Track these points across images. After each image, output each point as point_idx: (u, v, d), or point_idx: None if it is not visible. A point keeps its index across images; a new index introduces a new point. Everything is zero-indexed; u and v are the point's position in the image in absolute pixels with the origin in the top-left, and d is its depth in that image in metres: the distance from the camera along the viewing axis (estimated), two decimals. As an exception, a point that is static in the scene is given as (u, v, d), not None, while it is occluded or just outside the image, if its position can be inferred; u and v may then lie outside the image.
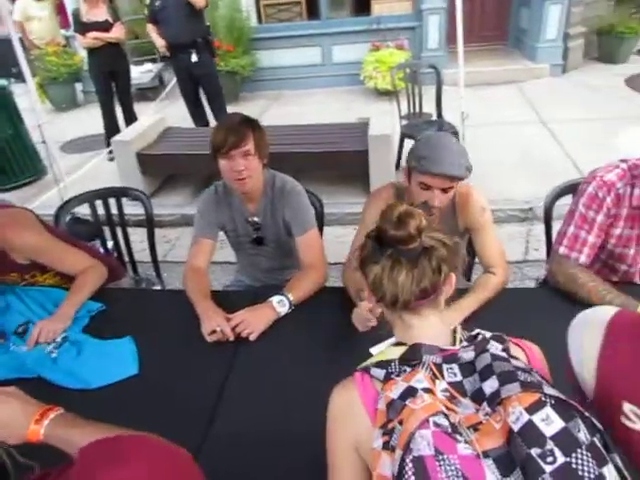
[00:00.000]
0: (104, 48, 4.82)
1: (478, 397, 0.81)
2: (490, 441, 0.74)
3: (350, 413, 0.88)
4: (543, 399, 0.74)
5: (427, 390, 0.80)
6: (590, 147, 4.44)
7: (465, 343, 0.90)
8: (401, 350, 0.90)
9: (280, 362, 1.54)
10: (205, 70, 4.82)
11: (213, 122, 5.30)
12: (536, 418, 0.72)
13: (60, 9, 7.70)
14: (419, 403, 0.78)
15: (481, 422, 0.77)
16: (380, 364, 0.89)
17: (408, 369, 0.85)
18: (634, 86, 5.95)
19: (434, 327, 0.94)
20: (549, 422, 0.71)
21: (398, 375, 0.85)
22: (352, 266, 1.81)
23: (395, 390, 0.82)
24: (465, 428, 0.76)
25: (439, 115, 4.33)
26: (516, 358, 0.86)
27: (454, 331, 0.95)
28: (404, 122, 4.31)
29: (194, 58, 4.68)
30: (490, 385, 0.80)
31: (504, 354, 0.85)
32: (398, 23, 6.29)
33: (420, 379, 0.82)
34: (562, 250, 1.75)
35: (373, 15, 6.61)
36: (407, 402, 0.79)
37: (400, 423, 0.78)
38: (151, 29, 4.84)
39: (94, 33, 4.73)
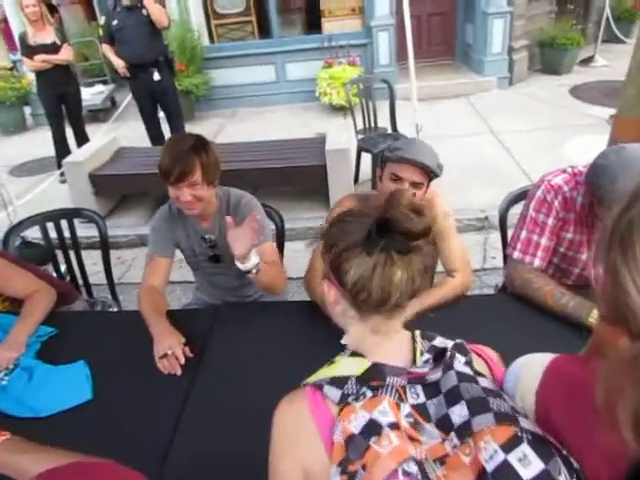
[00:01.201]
0: (53, 70, 4.71)
1: (444, 425, 0.73)
2: (459, 477, 0.67)
3: (300, 435, 0.78)
4: (519, 434, 0.67)
5: (393, 426, 0.72)
6: (539, 156, 4.60)
7: (427, 356, 0.83)
8: (359, 365, 0.80)
9: (241, 382, 1.49)
10: (166, 89, 4.78)
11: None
12: (512, 457, 0.64)
13: (6, 33, 7.51)
14: (385, 446, 0.69)
15: (448, 454, 0.70)
16: (335, 382, 0.78)
17: (369, 393, 0.75)
18: (578, 95, 6.23)
19: (397, 332, 0.87)
20: (527, 463, 0.64)
21: (357, 399, 0.75)
22: (315, 277, 1.82)
23: (355, 421, 0.73)
24: (431, 462, 0.70)
25: (394, 128, 4.41)
26: (481, 375, 0.81)
27: (413, 338, 0.87)
28: (360, 136, 4.36)
29: (156, 77, 4.64)
30: (459, 413, 0.72)
31: (469, 371, 0.79)
32: (349, 40, 6.40)
33: (384, 410, 0.73)
34: (516, 255, 1.79)
35: (324, 33, 6.71)
36: (371, 443, 0.70)
37: (363, 468, 0.69)
38: (107, 49, 4.76)
39: (42, 56, 4.62)
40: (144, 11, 4.57)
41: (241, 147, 4.40)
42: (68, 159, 4.20)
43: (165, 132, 5.23)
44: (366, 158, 4.22)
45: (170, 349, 1.53)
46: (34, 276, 1.82)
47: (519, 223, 1.85)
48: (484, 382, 0.78)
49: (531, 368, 0.82)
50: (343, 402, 0.76)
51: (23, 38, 4.69)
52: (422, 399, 0.76)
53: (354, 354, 0.84)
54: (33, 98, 7.09)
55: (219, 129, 6.31)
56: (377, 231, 0.77)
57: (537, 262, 1.75)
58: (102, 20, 4.67)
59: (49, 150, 5.68)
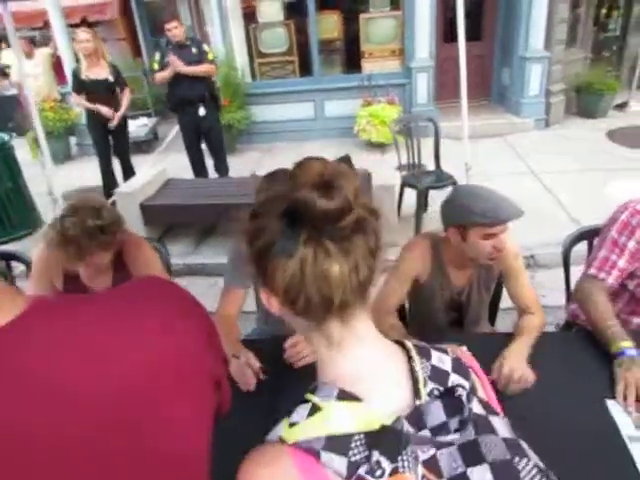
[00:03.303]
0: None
1: None
2: None
3: None
4: None
5: None
6: (581, 197, 4.60)
7: (431, 385, 0.66)
8: (356, 413, 0.61)
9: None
10: (211, 124, 4.99)
11: (212, 173, 5.38)
12: None
13: (57, 66, 7.87)
14: None
15: None
16: (333, 444, 0.58)
17: (385, 465, 0.57)
18: (615, 139, 6.24)
19: (377, 341, 0.69)
20: None
21: (372, 473, 0.57)
22: (384, 310, 1.84)
23: None
24: None
25: (437, 166, 4.46)
26: (491, 408, 0.68)
27: (408, 355, 0.69)
28: (403, 172, 4.42)
29: (202, 112, 4.85)
30: (480, 476, 0.60)
31: (482, 409, 0.66)
32: (388, 80, 6.55)
33: None
34: (592, 270, 1.79)
35: (363, 73, 6.88)
36: None
37: None
38: (161, 77, 4.94)
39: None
40: (194, 49, 4.80)
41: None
42: (120, 189, 4.33)
43: (208, 165, 5.39)
44: (410, 193, 4.27)
45: (245, 363, 1.57)
46: None
47: (598, 244, 1.85)
48: (498, 424, 0.65)
49: None
50: (353, 476, 0.57)
51: (76, 73, 4.86)
52: (432, 451, 0.62)
53: (343, 396, 0.62)
54: (80, 129, 7.38)
55: (257, 162, 6.45)
56: (292, 221, 0.60)
57: (610, 280, 1.74)
58: (157, 56, 4.88)
59: (94, 179, 5.87)
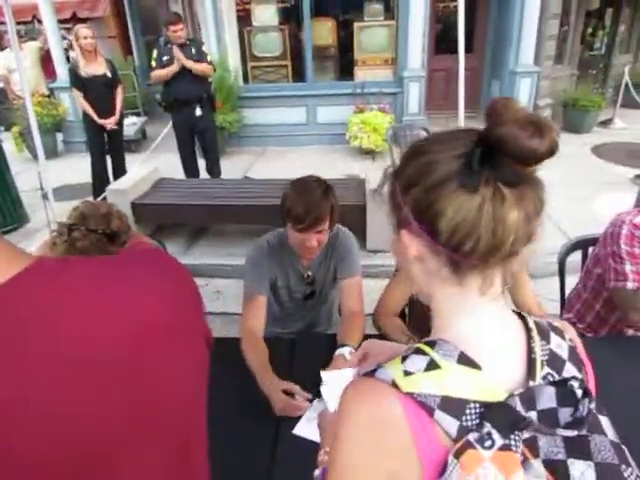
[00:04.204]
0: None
1: (555, 469, 0.59)
2: None
3: (393, 445, 0.59)
4: None
5: None
6: (569, 209, 4.68)
7: (547, 370, 0.65)
8: (473, 381, 0.61)
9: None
10: (206, 124, 4.97)
11: (204, 174, 5.35)
12: None
13: (45, 60, 7.76)
14: None
15: None
16: (448, 405, 0.59)
17: (497, 438, 0.57)
18: (600, 154, 6.39)
19: (504, 309, 0.69)
20: None
21: (481, 442, 0.57)
22: (388, 312, 1.86)
23: (483, 479, 0.56)
24: None
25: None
26: (599, 405, 0.66)
27: (527, 331, 0.68)
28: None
29: (198, 112, 4.83)
30: (581, 470, 0.59)
31: (594, 407, 0.63)
32: (381, 88, 6.61)
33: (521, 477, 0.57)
34: (630, 285, 1.80)
35: (356, 80, 6.94)
36: None
37: None
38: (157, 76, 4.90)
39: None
40: (193, 49, 4.79)
41: (280, 183, 4.47)
42: (112, 187, 4.28)
43: (200, 166, 5.36)
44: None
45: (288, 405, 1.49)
46: None
47: (614, 259, 1.85)
48: (605, 424, 0.64)
49: None
50: (462, 440, 0.58)
51: (74, 69, 4.81)
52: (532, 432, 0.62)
53: (464, 361, 0.62)
54: (67, 125, 7.29)
55: (249, 165, 6.44)
56: (481, 158, 0.59)
57: None
58: (154, 53, 4.84)
59: (80, 177, 5.80)
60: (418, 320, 2.14)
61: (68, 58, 7.49)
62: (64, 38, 7.98)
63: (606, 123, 7.68)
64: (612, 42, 8.73)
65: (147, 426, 0.60)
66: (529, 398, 0.61)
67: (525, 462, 0.58)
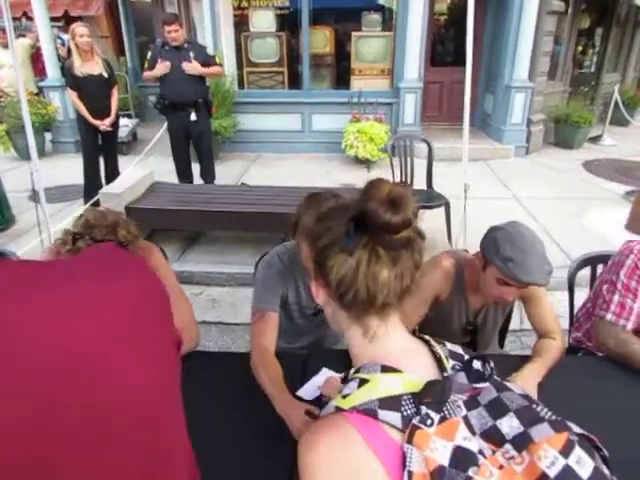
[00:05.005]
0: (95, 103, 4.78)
1: (492, 437, 0.68)
2: None
3: (361, 472, 0.64)
4: (572, 438, 0.66)
5: (481, 453, 0.66)
6: (562, 223, 4.71)
7: (452, 362, 0.77)
8: (402, 381, 0.71)
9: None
10: (201, 129, 4.89)
11: (197, 179, 5.27)
12: (571, 461, 0.65)
13: (36, 57, 7.62)
14: (489, 477, 0.64)
15: (502, 466, 0.66)
16: (386, 404, 0.68)
17: (434, 415, 0.67)
18: (591, 170, 6.47)
19: (403, 335, 0.80)
20: (582, 464, 0.65)
21: (424, 422, 0.66)
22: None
23: (437, 450, 0.65)
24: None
25: (429, 185, 4.49)
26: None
27: (426, 342, 0.80)
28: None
29: (193, 117, 4.76)
30: (509, 424, 0.68)
31: (502, 382, 0.75)
32: (377, 98, 6.60)
33: (467, 436, 0.67)
34: (609, 317, 1.82)
35: (352, 89, 6.93)
36: (471, 474, 0.64)
37: None
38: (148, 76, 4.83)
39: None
40: (191, 53, 4.71)
41: (280, 191, 4.43)
42: (107, 189, 4.17)
43: (194, 170, 5.28)
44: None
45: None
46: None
47: (608, 287, 1.88)
48: (516, 388, 0.75)
49: None
50: (408, 426, 0.66)
51: (69, 68, 4.69)
52: (464, 411, 0.71)
53: (386, 369, 0.72)
54: (56, 125, 7.14)
55: (243, 171, 6.37)
56: (356, 227, 0.72)
57: (630, 325, 1.79)
58: (149, 54, 4.76)
59: (70, 178, 5.67)
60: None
61: (58, 57, 7.35)
62: (58, 37, 7.85)
63: (595, 139, 7.80)
64: (601, 61, 8.88)
65: (102, 431, 0.58)
66: (449, 382, 0.71)
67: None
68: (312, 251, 0.80)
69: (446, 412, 0.68)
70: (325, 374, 1.67)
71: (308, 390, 1.57)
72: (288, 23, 7.03)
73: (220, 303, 3.68)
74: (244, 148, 6.96)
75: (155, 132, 6.19)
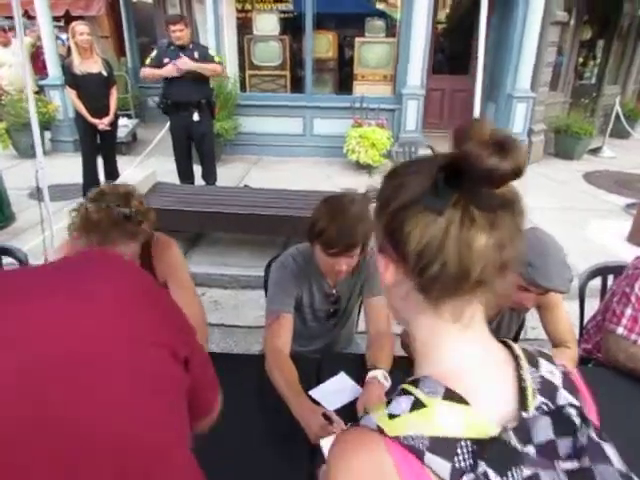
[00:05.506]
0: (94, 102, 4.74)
1: None
2: None
3: None
4: None
5: None
6: (566, 234, 4.70)
7: (540, 399, 0.59)
8: (464, 417, 0.56)
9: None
10: (204, 130, 4.86)
11: (199, 180, 5.23)
12: None
13: (36, 56, 7.57)
14: None
15: None
16: (438, 446, 0.54)
17: (493, 476, 0.53)
18: (591, 181, 6.49)
19: (485, 335, 0.64)
20: None
21: None
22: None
23: None
24: None
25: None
26: (601, 435, 0.59)
27: (515, 359, 0.63)
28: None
29: (196, 118, 4.73)
30: None
31: (594, 435, 0.57)
32: (379, 104, 6.60)
33: None
34: (620, 330, 1.80)
35: (355, 94, 6.92)
36: None
37: None
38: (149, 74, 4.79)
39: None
40: (196, 53, 4.69)
41: (283, 194, 4.40)
42: (109, 188, 4.13)
43: (195, 172, 5.24)
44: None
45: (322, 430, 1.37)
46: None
47: (620, 300, 1.86)
48: (611, 452, 0.57)
49: None
50: None
51: (68, 66, 4.66)
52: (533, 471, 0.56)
53: (449, 396, 0.57)
54: (55, 124, 7.09)
55: (244, 174, 6.34)
56: (446, 179, 0.56)
57: None
58: (153, 53, 4.73)
59: (70, 177, 5.61)
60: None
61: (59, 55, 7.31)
62: (57, 38, 7.80)
63: (595, 151, 7.82)
64: (602, 73, 8.94)
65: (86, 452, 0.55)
66: (524, 431, 0.56)
67: None
68: (380, 217, 0.63)
69: (510, 477, 0.53)
70: (342, 378, 1.65)
71: (328, 397, 1.55)
72: (291, 27, 7.02)
73: (222, 305, 3.64)
74: (245, 151, 6.93)
75: (155, 133, 6.16)
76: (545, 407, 0.59)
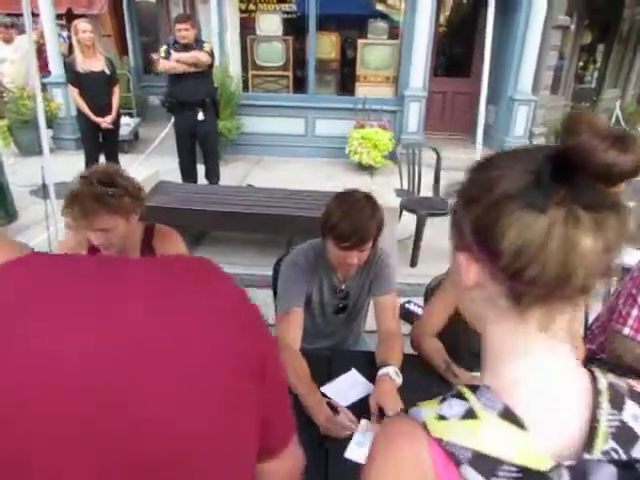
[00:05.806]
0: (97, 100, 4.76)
1: None
2: None
3: None
4: None
5: None
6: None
7: (611, 444, 0.53)
8: (516, 441, 0.52)
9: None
10: (208, 129, 4.87)
11: (202, 179, 5.25)
12: None
13: (39, 53, 7.54)
14: None
15: None
16: (480, 462, 0.51)
17: None
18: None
19: (566, 353, 0.58)
20: None
21: None
22: (427, 333, 1.80)
23: None
24: None
25: (436, 193, 4.51)
26: None
27: (595, 390, 0.57)
28: (400, 197, 4.43)
29: (200, 116, 4.74)
30: None
31: None
32: (381, 105, 6.63)
33: None
34: (627, 331, 1.80)
35: (357, 95, 6.95)
36: None
37: None
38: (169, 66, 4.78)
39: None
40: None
41: (286, 193, 4.42)
42: (113, 185, 4.14)
43: (199, 170, 5.25)
44: (409, 217, 4.28)
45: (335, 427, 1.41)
46: None
47: (626, 301, 1.87)
48: None
49: None
50: None
51: (71, 64, 4.68)
52: None
53: (506, 415, 0.53)
54: (58, 122, 7.09)
55: (246, 173, 6.36)
56: (552, 172, 0.51)
57: None
58: (164, 47, 4.73)
59: (72, 175, 5.57)
60: (448, 345, 2.09)
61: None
62: (59, 35, 7.80)
63: (595, 154, 7.86)
64: (602, 76, 8.98)
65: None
66: (581, 473, 0.50)
67: None
68: (466, 214, 0.58)
69: None
70: (354, 374, 1.68)
71: (340, 393, 1.57)
72: (294, 28, 7.05)
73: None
74: (247, 151, 6.95)
75: (157, 131, 6.17)
76: (615, 454, 0.52)
